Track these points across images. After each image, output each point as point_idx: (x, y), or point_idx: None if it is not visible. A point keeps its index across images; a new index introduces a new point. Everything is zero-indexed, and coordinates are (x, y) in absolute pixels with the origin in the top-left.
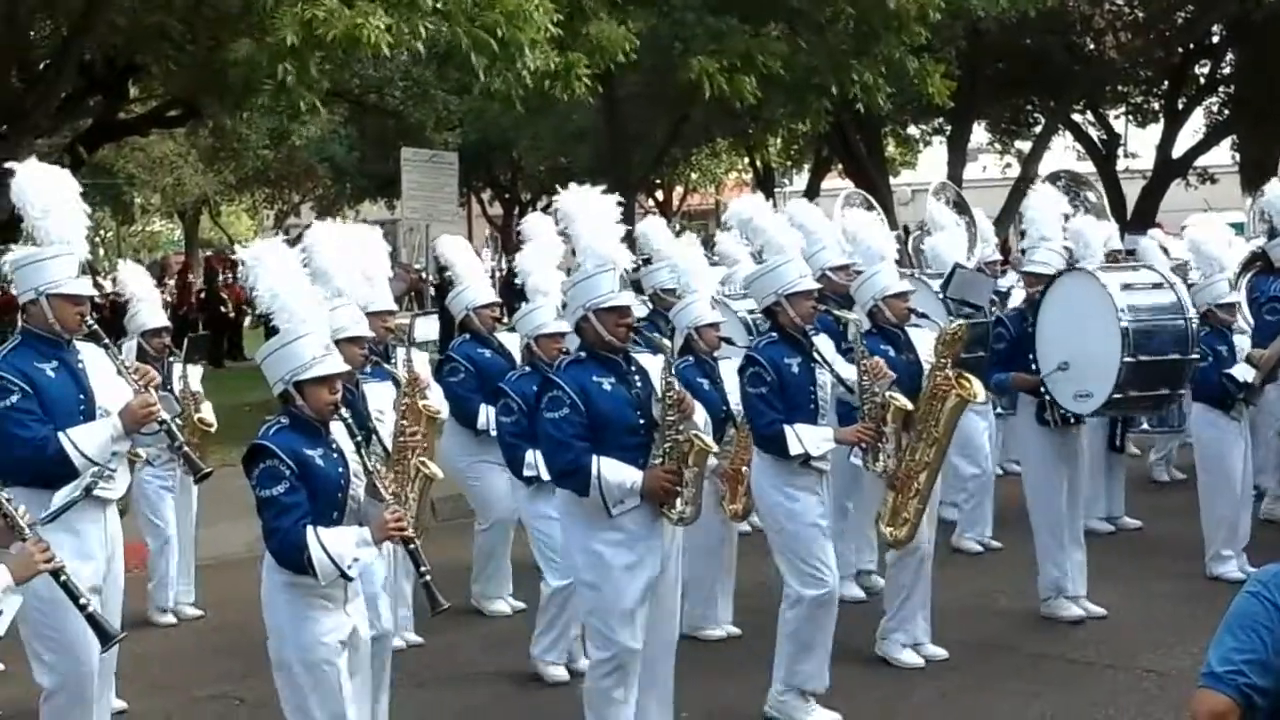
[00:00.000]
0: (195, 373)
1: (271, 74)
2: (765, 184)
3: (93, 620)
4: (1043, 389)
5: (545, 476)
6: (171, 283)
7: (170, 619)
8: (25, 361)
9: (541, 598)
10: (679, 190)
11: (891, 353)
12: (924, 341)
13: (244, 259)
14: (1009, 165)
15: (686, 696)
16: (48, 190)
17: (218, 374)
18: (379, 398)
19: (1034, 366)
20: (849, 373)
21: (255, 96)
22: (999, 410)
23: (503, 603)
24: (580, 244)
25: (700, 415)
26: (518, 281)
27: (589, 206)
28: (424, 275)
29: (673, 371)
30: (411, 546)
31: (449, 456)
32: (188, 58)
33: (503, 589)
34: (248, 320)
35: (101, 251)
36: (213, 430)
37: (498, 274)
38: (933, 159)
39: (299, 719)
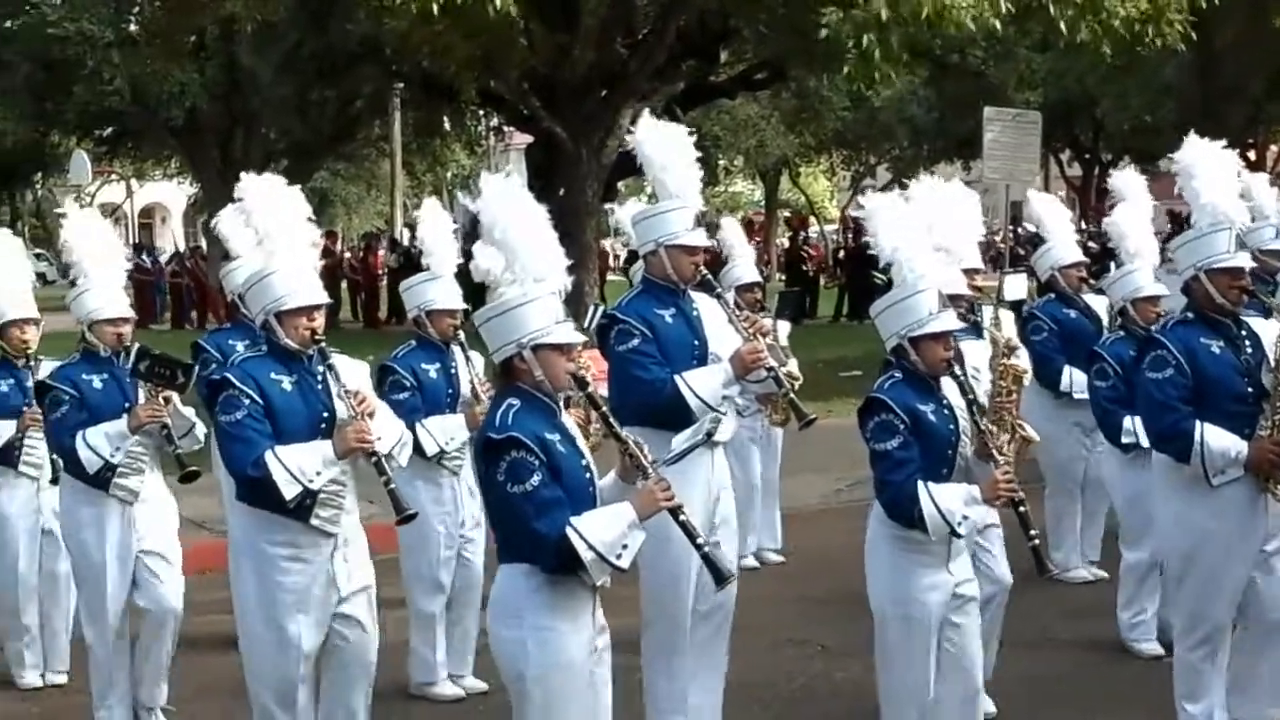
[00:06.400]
0: (784, 328)
1: (857, 44)
2: None
3: (708, 560)
4: None
5: (1144, 443)
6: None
7: (751, 562)
8: (646, 308)
9: (1120, 569)
10: (1274, 150)
11: None
12: None
13: (863, 212)
14: None
15: None
16: (665, 146)
17: (795, 331)
18: (971, 355)
19: None
20: None
21: (839, 64)
22: None
23: (1083, 570)
24: (1197, 200)
25: None
26: (1110, 245)
27: (1209, 161)
28: (1001, 236)
29: None
30: (1022, 509)
31: (1026, 416)
32: (781, 23)
33: (1077, 556)
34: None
35: None
36: (797, 384)
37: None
38: None
39: (886, 669)
